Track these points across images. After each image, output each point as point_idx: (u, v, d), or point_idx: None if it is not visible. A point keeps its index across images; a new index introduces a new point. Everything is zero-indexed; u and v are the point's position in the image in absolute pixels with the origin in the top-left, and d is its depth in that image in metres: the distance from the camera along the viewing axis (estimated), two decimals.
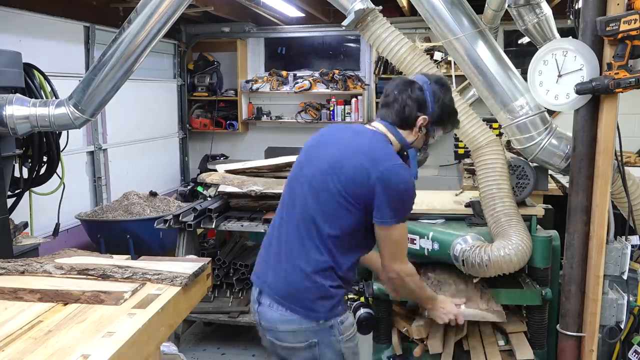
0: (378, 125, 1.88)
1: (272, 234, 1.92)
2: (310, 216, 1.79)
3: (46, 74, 3.26)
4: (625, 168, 2.13)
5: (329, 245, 1.78)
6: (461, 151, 5.15)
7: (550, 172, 2.61)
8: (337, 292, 1.81)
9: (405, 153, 1.87)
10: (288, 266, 1.82)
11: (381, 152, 1.78)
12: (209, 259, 1.89)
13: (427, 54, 2.42)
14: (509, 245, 2.07)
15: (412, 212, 2.28)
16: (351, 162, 1.76)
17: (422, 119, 1.83)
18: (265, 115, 6.83)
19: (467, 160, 4.54)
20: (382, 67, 6.21)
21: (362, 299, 2.46)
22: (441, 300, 2.07)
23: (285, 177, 3.85)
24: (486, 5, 3.27)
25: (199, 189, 4.60)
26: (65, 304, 1.52)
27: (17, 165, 3.17)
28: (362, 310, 2.36)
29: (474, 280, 2.22)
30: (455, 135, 2.38)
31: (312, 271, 1.78)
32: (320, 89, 6.58)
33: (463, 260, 2.13)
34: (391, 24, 2.34)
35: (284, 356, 1.88)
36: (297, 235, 1.82)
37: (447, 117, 1.89)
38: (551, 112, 2.31)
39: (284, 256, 1.84)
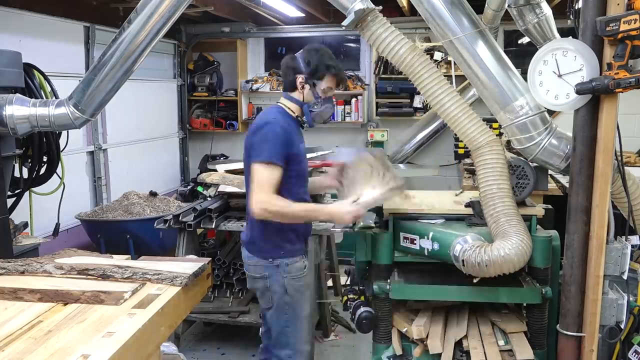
0: (281, 99, 2.45)
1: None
2: (248, 182, 2.34)
3: (46, 74, 3.25)
4: (625, 168, 2.13)
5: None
6: (461, 151, 5.15)
7: (550, 172, 2.61)
8: (276, 237, 2.37)
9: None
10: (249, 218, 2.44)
11: (262, 116, 2.41)
12: (209, 259, 1.89)
13: (427, 54, 2.42)
14: (508, 245, 2.07)
15: (412, 212, 2.34)
16: (249, 134, 2.37)
17: (299, 77, 2.37)
18: None
19: (467, 160, 4.54)
20: (382, 67, 6.20)
21: (362, 298, 2.46)
22: (336, 207, 2.34)
23: None
24: (486, 5, 3.27)
25: (199, 189, 4.60)
26: (65, 304, 1.52)
27: (17, 165, 3.17)
28: (362, 309, 2.37)
29: (474, 281, 2.22)
30: (455, 135, 2.38)
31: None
32: None
33: (463, 260, 2.13)
34: (391, 24, 2.34)
35: (250, 284, 2.50)
36: (248, 194, 2.35)
37: (321, 70, 2.36)
38: (551, 112, 2.31)
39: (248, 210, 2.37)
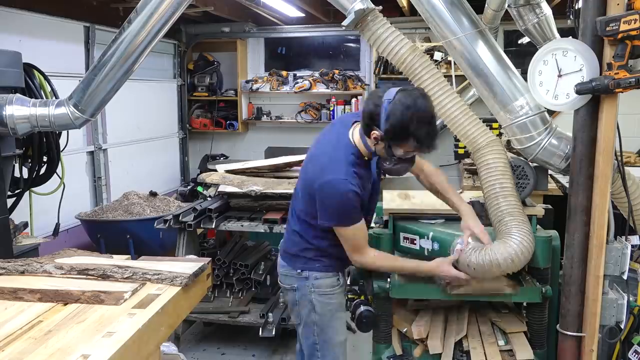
0: (354, 131, 2.16)
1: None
2: (299, 206, 2.27)
3: (46, 74, 3.26)
4: (625, 168, 2.13)
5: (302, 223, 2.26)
6: (461, 151, 5.16)
7: (550, 172, 2.61)
8: (313, 255, 2.26)
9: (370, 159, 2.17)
10: (287, 230, 2.40)
11: (328, 163, 2.11)
12: (209, 259, 1.89)
13: (427, 54, 2.42)
14: (510, 245, 2.06)
15: (412, 212, 2.34)
16: (311, 167, 2.19)
17: (374, 133, 2.02)
18: (265, 115, 6.83)
19: (467, 160, 4.55)
20: (382, 67, 6.20)
21: (362, 297, 2.46)
22: (438, 264, 2.17)
23: (285, 177, 3.88)
24: (486, 5, 3.27)
25: (199, 189, 4.60)
26: (65, 304, 1.52)
27: (17, 165, 3.17)
28: (362, 308, 2.37)
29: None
30: (455, 135, 2.38)
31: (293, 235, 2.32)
32: (320, 89, 6.58)
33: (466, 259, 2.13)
34: (391, 24, 2.34)
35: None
36: (294, 202, 2.34)
37: (401, 136, 1.98)
38: (551, 112, 2.31)
39: (288, 226, 2.39)
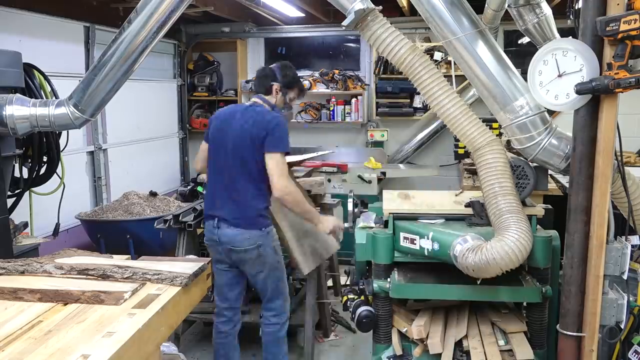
0: (256, 100, 2.93)
1: (215, 185, 2.89)
2: (240, 167, 2.79)
3: (46, 74, 3.26)
4: (625, 168, 2.13)
5: (255, 181, 2.80)
6: (461, 151, 5.15)
7: (550, 172, 2.61)
8: (265, 210, 2.86)
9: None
10: (236, 203, 2.82)
11: (267, 114, 2.83)
12: (209, 259, 1.89)
13: (427, 54, 2.42)
14: (506, 243, 2.06)
15: (412, 212, 2.34)
16: (255, 127, 2.78)
17: (275, 85, 2.91)
18: None
19: (467, 160, 4.54)
20: (382, 67, 6.21)
21: (362, 297, 2.46)
22: (326, 217, 3.03)
23: None
24: (486, 5, 3.27)
25: (199, 189, 4.60)
26: (65, 304, 1.52)
27: (17, 165, 3.17)
28: (362, 308, 2.37)
29: (478, 282, 2.22)
30: (455, 135, 2.38)
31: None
32: (320, 89, 6.58)
33: (463, 261, 2.13)
34: (391, 24, 2.34)
35: (237, 258, 2.85)
36: (235, 179, 2.81)
37: (293, 83, 2.97)
38: (551, 112, 2.31)
39: (231, 194, 2.82)
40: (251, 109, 2.87)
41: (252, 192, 2.80)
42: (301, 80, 3.14)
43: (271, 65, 3.01)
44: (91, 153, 5.17)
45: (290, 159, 4.13)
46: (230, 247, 2.82)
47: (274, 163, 2.73)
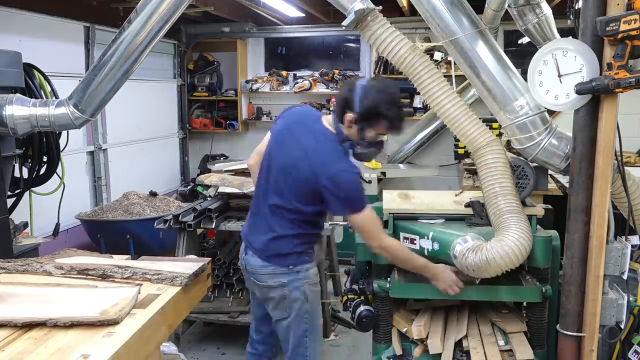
0: (328, 118, 2.31)
1: (256, 206, 2.43)
2: (279, 202, 2.29)
3: (46, 74, 3.26)
4: (625, 168, 2.13)
5: (293, 220, 2.29)
6: (461, 151, 5.15)
7: (550, 172, 2.61)
8: (303, 248, 2.34)
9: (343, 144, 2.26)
10: (266, 232, 2.34)
11: (330, 156, 2.19)
12: (209, 259, 1.89)
13: (427, 54, 2.42)
14: (506, 243, 2.06)
15: (412, 212, 2.34)
16: (306, 165, 2.19)
17: (348, 116, 2.18)
18: (265, 115, 6.83)
19: (467, 160, 4.54)
20: (382, 67, 6.20)
21: (362, 297, 2.46)
22: (445, 269, 2.24)
23: None
24: (486, 5, 3.27)
25: (199, 189, 4.59)
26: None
27: (17, 165, 3.17)
28: (362, 308, 2.37)
29: (476, 282, 2.23)
30: (455, 135, 2.38)
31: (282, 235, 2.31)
32: (320, 89, 6.58)
33: (463, 261, 2.13)
34: (391, 24, 2.34)
35: (261, 293, 2.40)
36: (269, 211, 2.32)
37: (373, 117, 2.16)
38: (551, 112, 2.31)
39: (263, 225, 2.35)
40: (314, 135, 2.24)
41: (289, 224, 2.30)
42: (399, 109, 2.25)
43: (357, 82, 2.22)
44: (91, 153, 5.17)
45: None
46: (254, 279, 2.39)
47: (359, 226, 2.21)
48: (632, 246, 2.06)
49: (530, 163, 2.35)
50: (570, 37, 2.12)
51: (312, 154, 2.19)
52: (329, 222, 3.44)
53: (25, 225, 3.31)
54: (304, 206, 2.25)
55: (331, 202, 2.17)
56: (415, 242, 2.33)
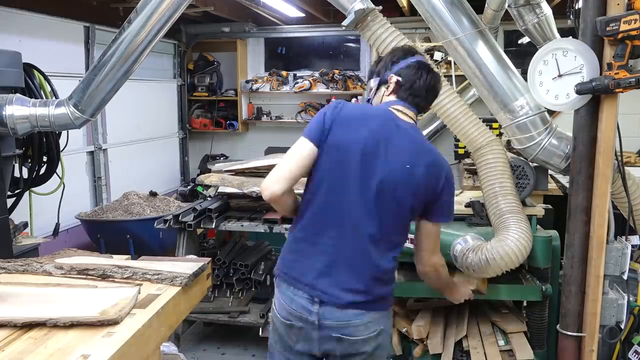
0: (407, 113, 1.84)
1: (315, 228, 1.81)
2: (383, 214, 1.77)
3: (46, 74, 3.25)
4: (625, 168, 2.13)
5: (392, 250, 1.83)
6: (461, 151, 5.15)
7: (550, 172, 2.61)
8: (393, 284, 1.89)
9: None
10: (355, 269, 1.78)
11: (436, 152, 1.83)
12: (209, 259, 1.89)
13: (427, 54, 2.42)
14: (506, 243, 2.06)
15: None
16: (423, 170, 1.76)
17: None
18: (265, 115, 6.83)
19: (467, 160, 4.54)
20: None
21: None
22: (460, 284, 2.15)
23: None
24: (486, 5, 3.27)
25: (199, 189, 4.59)
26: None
27: (17, 165, 3.17)
28: None
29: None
30: (455, 135, 2.38)
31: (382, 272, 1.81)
32: (320, 89, 6.58)
33: (463, 261, 2.13)
34: (391, 24, 2.34)
35: (348, 352, 1.80)
36: (360, 240, 1.77)
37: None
38: (551, 112, 2.31)
39: (346, 261, 1.78)
40: (407, 131, 1.79)
41: (382, 246, 1.80)
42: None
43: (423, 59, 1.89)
44: (91, 153, 5.17)
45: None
46: (342, 335, 1.78)
47: (435, 235, 1.89)
48: (632, 246, 2.07)
49: (530, 163, 2.35)
50: (570, 37, 2.12)
51: (430, 156, 1.80)
52: None
53: (25, 225, 3.30)
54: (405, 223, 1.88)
55: (447, 204, 1.83)
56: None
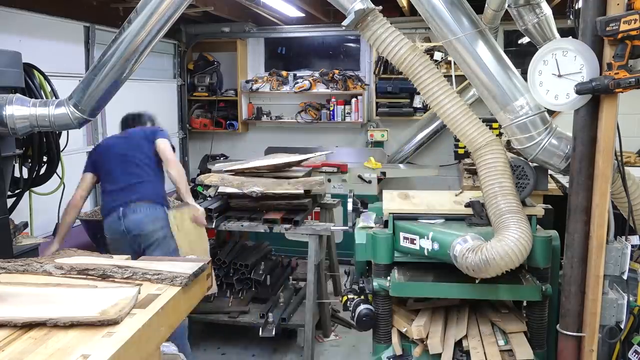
0: None
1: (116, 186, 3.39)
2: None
3: (46, 74, 3.25)
4: (625, 168, 2.13)
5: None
6: (461, 151, 5.16)
7: (550, 172, 2.61)
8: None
9: None
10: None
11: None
12: (209, 259, 1.89)
13: (427, 54, 2.42)
14: (506, 243, 2.06)
15: (412, 212, 2.33)
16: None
17: None
18: (265, 115, 6.83)
19: (467, 160, 4.55)
20: (382, 67, 6.20)
21: (362, 296, 2.46)
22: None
23: (284, 177, 3.88)
24: (486, 5, 3.27)
25: (199, 188, 4.59)
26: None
27: (17, 165, 3.17)
28: (362, 307, 2.37)
29: (476, 281, 2.22)
30: (455, 135, 2.38)
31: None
32: (320, 89, 6.58)
33: (463, 261, 2.12)
34: (391, 24, 2.34)
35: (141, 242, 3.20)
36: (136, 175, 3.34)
37: None
38: (551, 112, 2.31)
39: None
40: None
41: (148, 166, 3.66)
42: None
43: None
44: None
45: (287, 158, 4.14)
46: (149, 225, 3.31)
47: (170, 151, 3.58)
48: (632, 246, 2.07)
49: (530, 163, 2.35)
50: (570, 37, 2.12)
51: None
52: (330, 224, 3.44)
53: (25, 225, 3.30)
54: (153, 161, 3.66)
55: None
56: (415, 242, 2.33)
